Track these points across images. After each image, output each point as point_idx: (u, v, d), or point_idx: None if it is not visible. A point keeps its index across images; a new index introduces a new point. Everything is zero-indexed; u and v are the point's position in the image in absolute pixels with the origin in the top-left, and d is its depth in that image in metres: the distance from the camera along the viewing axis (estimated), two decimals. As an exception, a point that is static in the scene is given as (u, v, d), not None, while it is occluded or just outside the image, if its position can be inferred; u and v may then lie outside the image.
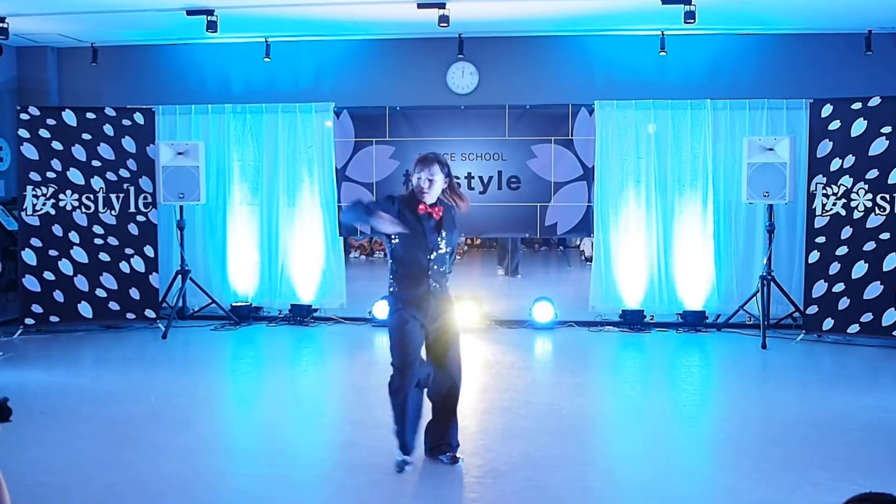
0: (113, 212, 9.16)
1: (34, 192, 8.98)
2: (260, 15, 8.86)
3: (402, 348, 4.88)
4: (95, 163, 9.11)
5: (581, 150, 9.25)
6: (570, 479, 4.77)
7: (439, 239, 4.86)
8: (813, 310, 8.52)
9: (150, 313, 9.19)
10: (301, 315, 9.50)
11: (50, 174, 9.02)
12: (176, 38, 10.15)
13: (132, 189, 9.20)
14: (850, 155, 8.34)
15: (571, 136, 9.25)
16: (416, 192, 4.86)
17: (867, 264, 8.24)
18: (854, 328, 8.31)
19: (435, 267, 4.86)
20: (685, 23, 8.03)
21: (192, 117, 9.73)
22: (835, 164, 8.43)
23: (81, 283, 9.06)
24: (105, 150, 9.15)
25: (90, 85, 10.51)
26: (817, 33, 9.52)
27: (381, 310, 9.39)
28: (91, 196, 9.12)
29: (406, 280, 4.87)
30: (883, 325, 8.16)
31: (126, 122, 9.21)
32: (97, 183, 9.12)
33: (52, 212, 9.02)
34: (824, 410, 6.13)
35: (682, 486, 4.78)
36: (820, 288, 8.48)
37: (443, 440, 5.02)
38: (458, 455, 5.04)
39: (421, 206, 4.83)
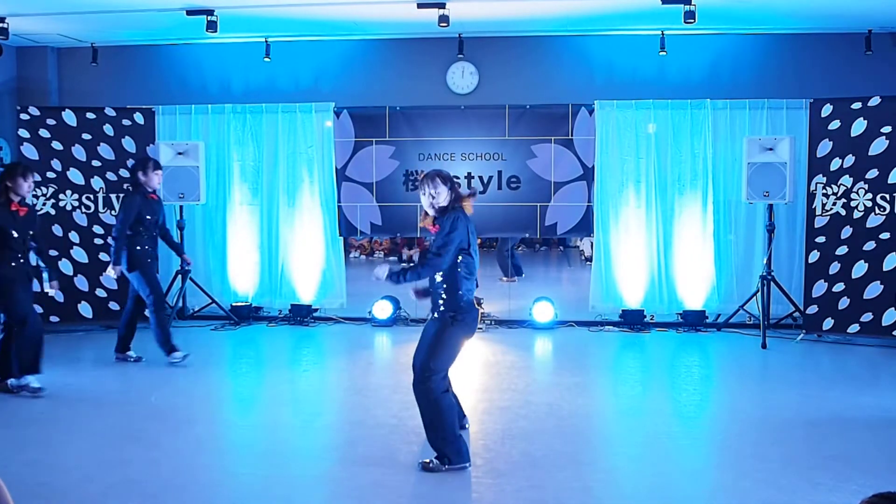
0: (113, 212, 9.15)
1: (34, 192, 8.97)
2: (260, 15, 8.86)
3: None
4: (95, 163, 9.12)
5: (581, 150, 9.25)
6: (570, 479, 4.77)
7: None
8: (813, 309, 8.52)
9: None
10: (301, 315, 9.50)
11: (50, 174, 9.03)
12: (176, 38, 10.15)
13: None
14: (850, 155, 8.34)
15: (571, 136, 9.25)
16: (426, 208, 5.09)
17: (867, 264, 8.24)
18: (854, 328, 8.31)
19: (435, 277, 5.01)
20: (685, 23, 8.04)
21: (192, 117, 9.74)
22: (835, 164, 8.44)
23: (81, 283, 9.06)
24: (105, 150, 9.16)
25: (90, 85, 10.51)
26: (817, 33, 9.52)
27: (382, 310, 9.40)
28: (91, 196, 9.12)
29: None
30: (883, 324, 8.16)
31: (126, 122, 9.22)
32: (97, 183, 9.13)
33: (53, 212, 9.02)
34: (824, 410, 6.13)
35: (682, 486, 4.78)
36: (820, 288, 8.48)
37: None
38: (429, 462, 4.96)
39: (428, 224, 5.13)
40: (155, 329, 7.55)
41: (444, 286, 4.93)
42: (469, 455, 4.99)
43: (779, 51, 9.67)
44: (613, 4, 8.45)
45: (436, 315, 4.99)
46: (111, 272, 7.52)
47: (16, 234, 6.41)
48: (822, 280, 8.47)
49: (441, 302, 4.95)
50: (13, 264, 6.43)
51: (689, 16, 7.96)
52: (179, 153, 9.09)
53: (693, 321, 9.10)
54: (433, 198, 4.99)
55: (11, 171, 6.49)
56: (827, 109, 8.49)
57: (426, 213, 5.12)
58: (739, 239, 9.28)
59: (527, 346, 8.58)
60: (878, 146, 8.23)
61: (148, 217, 7.50)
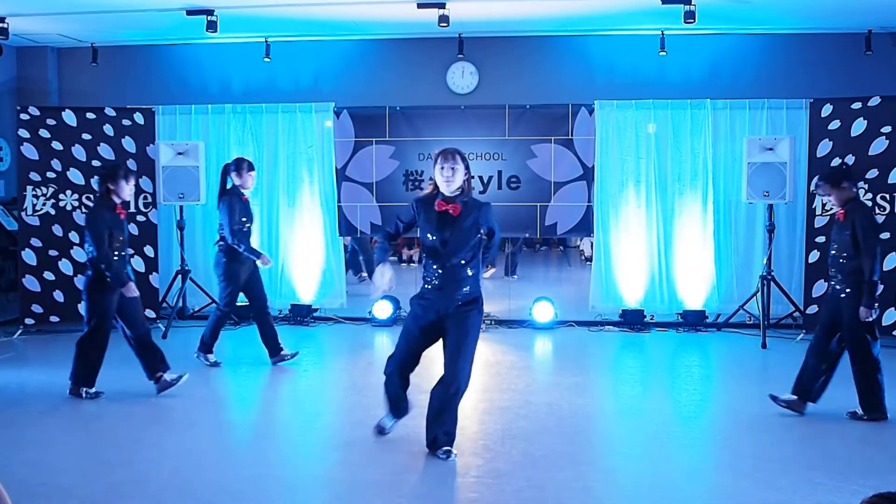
0: (113, 212, 9.14)
1: (34, 192, 8.99)
2: (260, 15, 8.86)
3: (399, 342, 5.22)
4: (95, 163, 9.11)
5: (581, 149, 9.25)
6: (570, 479, 4.77)
7: (456, 234, 4.93)
8: (813, 309, 8.52)
9: (150, 313, 9.17)
10: (301, 315, 9.50)
11: (50, 174, 9.02)
12: (176, 38, 10.15)
13: (132, 189, 9.20)
14: (850, 155, 8.34)
15: (571, 135, 9.25)
16: (437, 183, 5.00)
17: (867, 264, 8.23)
18: (854, 328, 8.30)
19: (450, 263, 4.94)
20: (685, 23, 8.04)
21: (192, 117, 9.74)
22: (835, 164, 8.43)
23: (81, 283, 9.03)
24: (105, 150, 9.16)
25: (90, 85, 10.52)
26: (817, 33, 9.53)
27: (381, 310, 9.40)
28: (91, 196, 9.11)
29: (426, 275, 5.06)
30: (883, 324, 8.16)
31: (126, 122, 9.21)
32: (97, 183, 9.10)
33: (52, 212, 9.02)
34: (824, 410, 6.13)
35: (681, 486, 4.78)
36: (820, 287, 8.47)
37: (440, 430, 5.06)
38: (452, 449, 5.07)
39: (438, 203, 4.97)
40: (209, 327, 7.53)
41: (471, 273, 4.98)
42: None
43: (779, 51, 9.67)
44: (613, 4, 8.45)
45: (460, 303, 4.95)
46: (261, 264, 7.46)
47: (121, 237, 6.35)
48: (823, 280, 8.46)
49: (467, 290, 4.98)
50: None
51: (689, 16, 7.96)
52: (179, 153, 9.08)
53: (693, 321, 9.10)
54: (453, 171, 4.91)
55: (114, 174, 6.37)
56: (827, 109, 8.49)
57: (432, 191, 5.04)
58: (739, 239, 9.28)
59: (527, 346, 8.58)
60: (878, 146, 8.23)
61: (244, 220, 7.41)
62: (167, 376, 6.51)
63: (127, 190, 6.39)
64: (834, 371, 5.93)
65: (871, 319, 5.70)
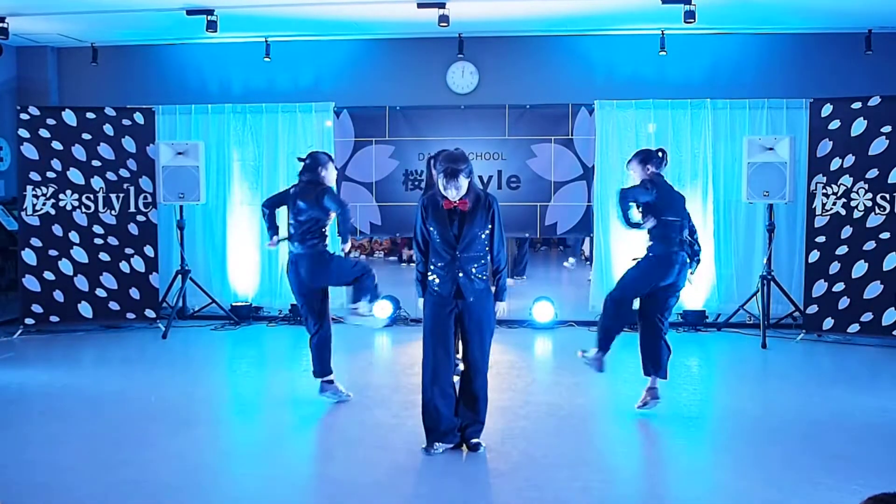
0: (113, 212, 9.16)
1: (34, 192, 8.98)
2: (260, 15, 8.86)
3: (425, 350, 5.25)
4: (95, 163, 9.11)
5: (581, 149, 9.25)
6: (570, 479, 4.77)
7: (467, 228, 5.06)
8: (813, 309, 8.52)
9: (150, 313, 9.19)
10: (301, 315, 9.47)
11: (50, 174, 9.02)
12: (176, 38, 10.15)
13: (132, 189, 9.20)
14: (850, 154, 8.34)
15: (571, 135, 9.25)
16: (442, 191, 5.10)
17: (867, 264, 8.24)
18: (854, 328, 8.31)
19: (463, 257, 5.06)
20: (685, 22, 8.04)
21: (192, 117, 9.74)
22: (835, 164, 8.44)
23: (81, 282, 9.05)
24: (105, 150, 9.15)
25: (90, 85, 10.52)
26: (817, 33, 9.52)
27: (381, 310, 9.39)
28: (91, 196, 9.12)
29: (436, 273, 5.13)
30: (883, 324, 8.16)
31: (126, 122, 9.21)
32: (97, 183, 9.12)
33: (52, 212, 9.02)
34: (824, 410, 6.13)
35: (681, 486, 4.78)
36: (820, 287, 8.48)
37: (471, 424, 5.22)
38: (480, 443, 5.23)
39: (445, 203, 5.09)
40: None
41: (485, 261, 5.12)
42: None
43: (778, 50, 9.67)
44: (613, 4, 8.45)
45: (477, 289, 5.08)
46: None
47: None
48: (822, 280, 8.47)
49: (483, 277, 5.11)
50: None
51: (689, 15, 7.96)
52: (179, 153, 9.08)
53: (693, 321, 9.09)
54: (457, 188, 5.05)
55: (327, 159, 6.56)
56: (827, 109, 8.48)
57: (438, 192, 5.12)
58: (739, 239, 9.27)
59: (527, 346, 8.58)
60: (878, 146, 8.22)
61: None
62: (338, 385, 6.55)
63: (332, 175, 6.52)
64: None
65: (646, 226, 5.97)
